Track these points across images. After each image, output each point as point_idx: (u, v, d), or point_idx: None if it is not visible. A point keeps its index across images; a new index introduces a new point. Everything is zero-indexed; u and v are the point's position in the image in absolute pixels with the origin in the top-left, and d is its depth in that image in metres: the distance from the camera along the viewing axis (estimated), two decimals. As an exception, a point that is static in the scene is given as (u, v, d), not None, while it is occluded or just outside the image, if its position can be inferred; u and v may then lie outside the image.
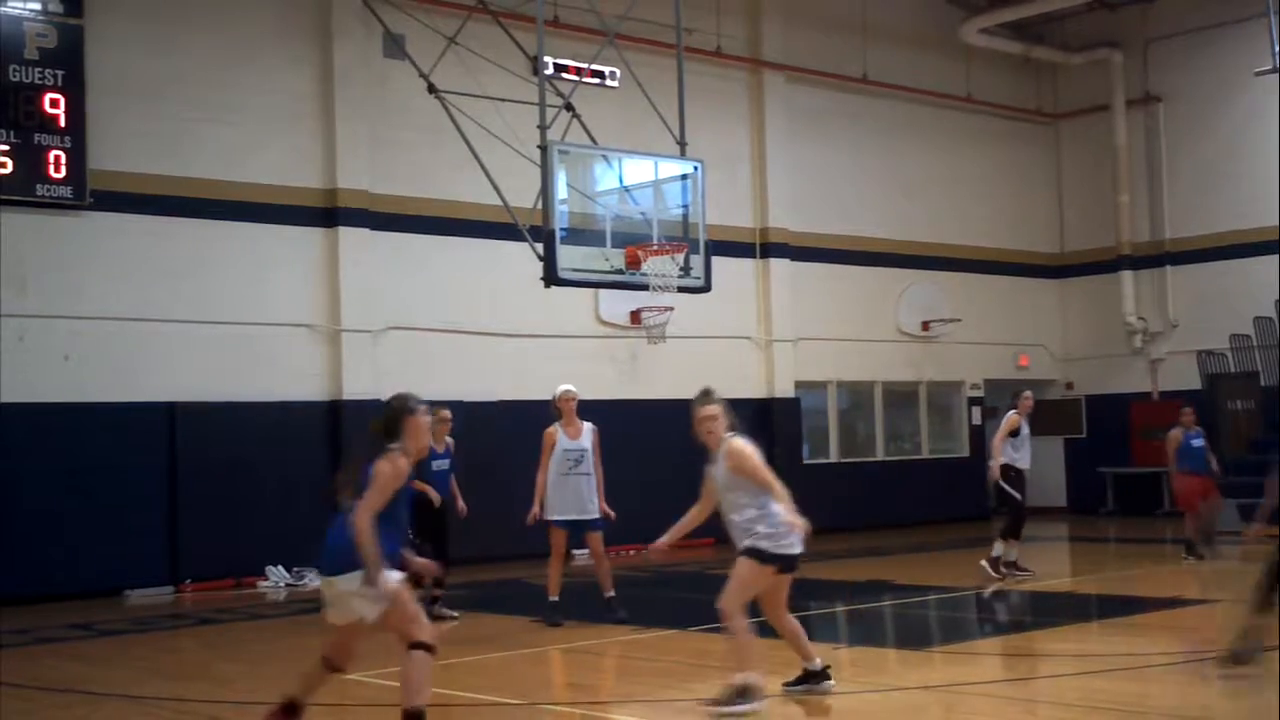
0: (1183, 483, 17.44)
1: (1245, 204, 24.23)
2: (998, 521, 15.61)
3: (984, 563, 15.30)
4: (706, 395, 9.23)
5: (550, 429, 13.29)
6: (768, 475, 8.94)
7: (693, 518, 9.38)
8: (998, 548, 15.33)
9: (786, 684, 9.09)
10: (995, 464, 15.37)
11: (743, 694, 8.39)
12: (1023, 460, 15.37)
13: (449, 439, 13.73)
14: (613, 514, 13.40)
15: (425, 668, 7.61)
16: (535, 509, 13.18)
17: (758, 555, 8.79)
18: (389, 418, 7.81)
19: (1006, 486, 15.34)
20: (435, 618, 12.79)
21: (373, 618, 7.59)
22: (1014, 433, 15.36)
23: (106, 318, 16.62)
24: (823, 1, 23.77)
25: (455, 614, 13.53)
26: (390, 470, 7.55)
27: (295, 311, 18.08)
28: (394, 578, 7.64)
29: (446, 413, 13.58)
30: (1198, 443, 17.51)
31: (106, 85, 16.69)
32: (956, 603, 14.24)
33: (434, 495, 13.36)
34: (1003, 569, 15.23)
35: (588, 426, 13.39)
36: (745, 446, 8.98)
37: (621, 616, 12.67)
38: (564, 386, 13.50)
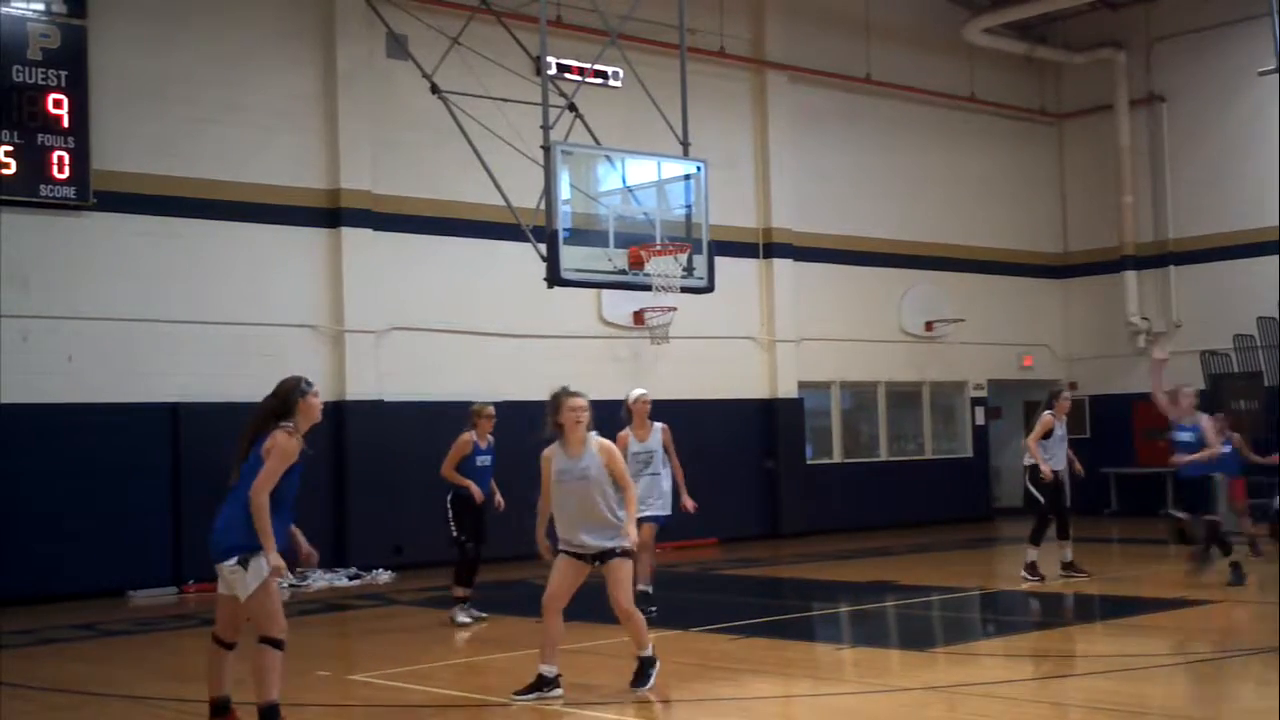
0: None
1: (1249, 204, 24.20)
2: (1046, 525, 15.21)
3: (1022, 572, 14.94)
4: (572, 390, 9.45)
5: (623, 433, 13.33)
6: (629, 477, 9.37)
7: (544, 511, 9.52)
8: (1030, 553, 14.95)
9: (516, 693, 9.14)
10: (1045, 466, 14.86)
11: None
12: (1055, 461, 15.02)
13: (491, 436, 13.59)
14: (691, 506, 13.74)
15: (275, 662, 7.75)
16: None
17: (630, 554, 9.32)
18: (282, 397, 8.09)
19: (1033, 489, 15.04)
20: (456, 621, 12.79)
21: (244, 597, 7.81)
22: (1048, 434, 15.04)
23: (109, 318, 16.63)
24: (826, 1, 23.76)
25: (484, 615, 13.40)
26: (288, 443, 7.80)
27: (298, 312, 18.09)
28: (270, 563, 7.89)
29: (491, 409, 13.48)
30: (1225, 448, 17.38)
31: (110, 86, 16.71)
32: (960, 603, 14.24)
33: (476, 491, 13.29)
34: (1041, 571, 14.81)
35: (657, 426, 13.62)
36: (614, 445, 9.37)
37: (651, 612, 12.59)
38: (639, 390, 13.70)
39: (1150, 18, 25.58)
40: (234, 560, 7.82)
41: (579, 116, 16.50)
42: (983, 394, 25.85)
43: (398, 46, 18.48)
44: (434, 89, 16.67)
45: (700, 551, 20.40)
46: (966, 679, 9.89)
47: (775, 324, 22.67)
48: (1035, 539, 15.07)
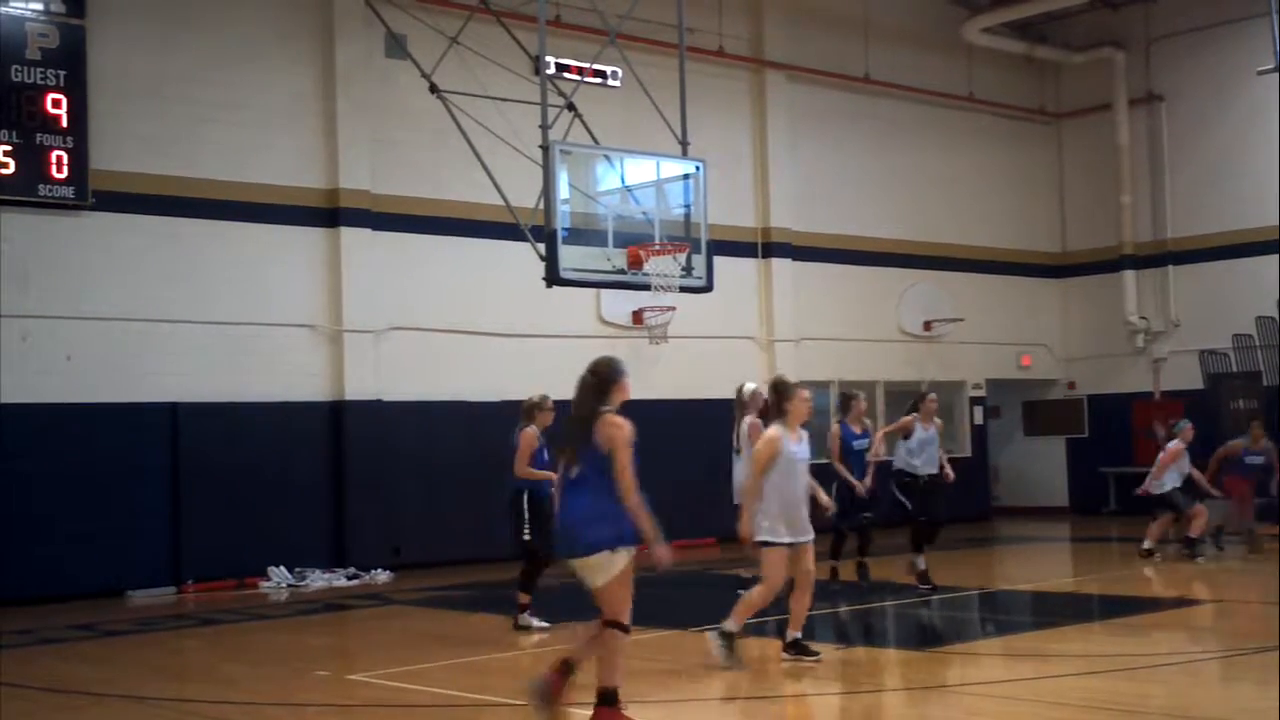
0: (1231, 482, 17.73)
1: (1247, 203, 24.20)
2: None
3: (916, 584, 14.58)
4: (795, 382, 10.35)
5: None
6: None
7: (754, 492, 10.28)
8: (919, 562, 14.60)
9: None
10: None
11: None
12: (926, 466, 14.71)
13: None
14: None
15: (621, 646, 7.75)
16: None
17: None
18: (602, 376, 7.91)
19: (899, 494, 14.86)
20: (521, 627, 12.38)
21: (598, 585, 7.70)
22: (907, 434, 14.84)
23: (108, 318, 16.63)
24: (825, 1, 23.76)
25: (545, 624, 12.52)
26: (625, 429, 7.69)
27: (297, 312, 18.09)
28: (661, 555, 7.88)
29: (551, 401, 13.23)
30: (1256, 460, 17.72)
31: (108, 85, 16.70)
32: (958, 603, 14.24)
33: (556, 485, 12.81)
34: (932, 580, 14.53)
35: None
36: None
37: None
38: (753, 385, 14.03)
39: (1149, 17, 25.58)
40: (603, 553, 7.63)
41: (578, 116, 16.49)
42: (981, 394, 25.85)
43: (397, 46, 18.47)
44: (433, 89, 16.66)
45: (700, 551, 20.39)
46: (965, 679, 9.90)
47: (774, 324, 22.67)
48: (918, 546, 14.73)
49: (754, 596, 10.14)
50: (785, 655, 10.24)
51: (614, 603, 7.69)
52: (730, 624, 10.09)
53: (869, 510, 15.09)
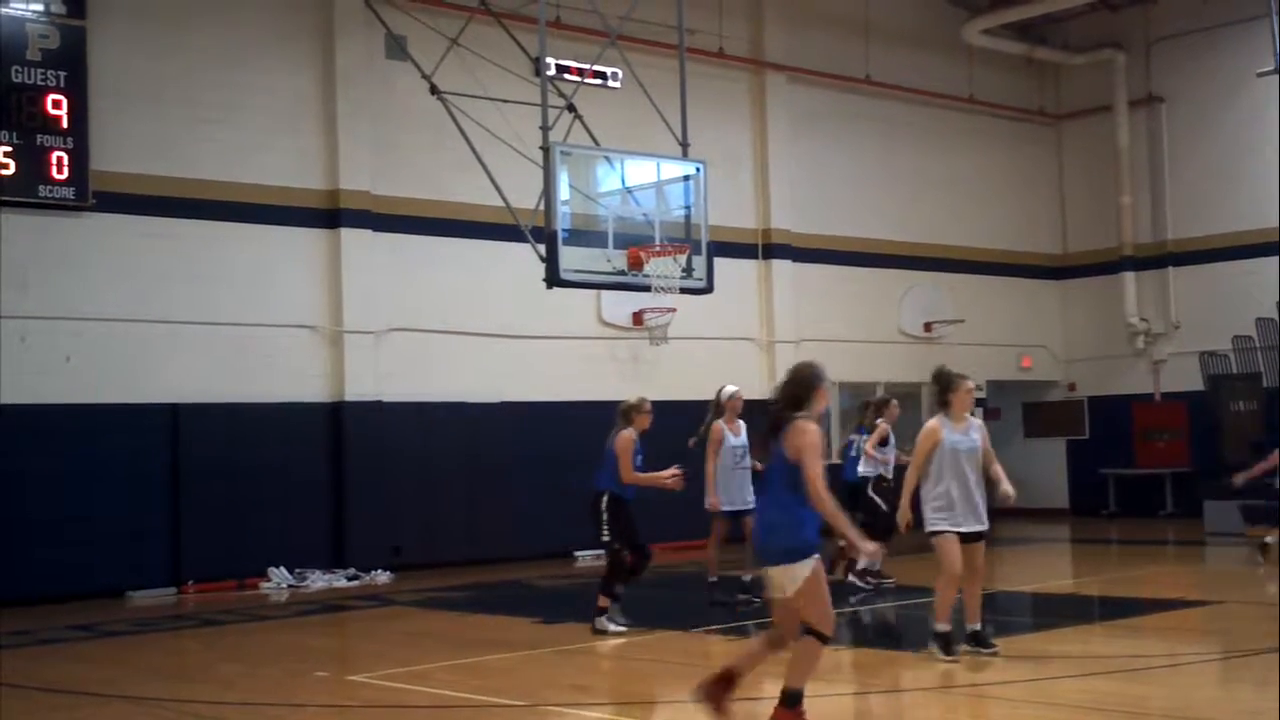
0: None
1: (1247, 205, 24.21)
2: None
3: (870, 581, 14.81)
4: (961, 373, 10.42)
5: (716, 425, 13.70)
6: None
7: (912, 483, 10.42)
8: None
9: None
10: (713, 498, 14.26)
11: None
12: (891, 468, 15.16)
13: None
14: None
15: (816, 652, 7.60)
16: (712, 498, 13.72)
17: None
18: (804, 384, 7.81)
19: (875, 497, 15.11)
20: (598, 631, 12.15)
21: (790, 593, 7.55)
22: (884, 442, 15.26)
23: (108, 319, 16.63)
24: (825, 2, 23.76)
25: (623, 627, 12.22)
26: (817, 436, 7.62)
27: (297, 313, 18.09)
28: (867, 550, 7.95)
29: (649, 403, 13.28)
30: None
31: (109, 86, 16.70)
32: (957, 604, 14.21)
33: (672, 481, 12.66)
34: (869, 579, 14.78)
35: (742, 424, 13.80)
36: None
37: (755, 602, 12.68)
38: (732, 388, 13.96)
39: (1149, 19, 25.59)
40: (782, 566, 7.53)
41: (578, 117, 16.48)
42: (982, 395, 25.80)
43: (397, 47, 18.47)
44: (433, 90, 16.66)
45: (698, 552, 20.38)
46: (965, 680, 9.89)
47: (774, 325, 22.67)
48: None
49: (941, 589, 10.24)
50: (965, 647, 10.23)
51: (808, 611, 7.53)
52: (940, 625, 10.18)
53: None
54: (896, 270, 24.45)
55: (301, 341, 18.09)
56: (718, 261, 15.88)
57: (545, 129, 14.63)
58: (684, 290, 15.35)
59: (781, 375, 7.97)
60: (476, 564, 18.44)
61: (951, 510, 10.10)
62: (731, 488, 13.70)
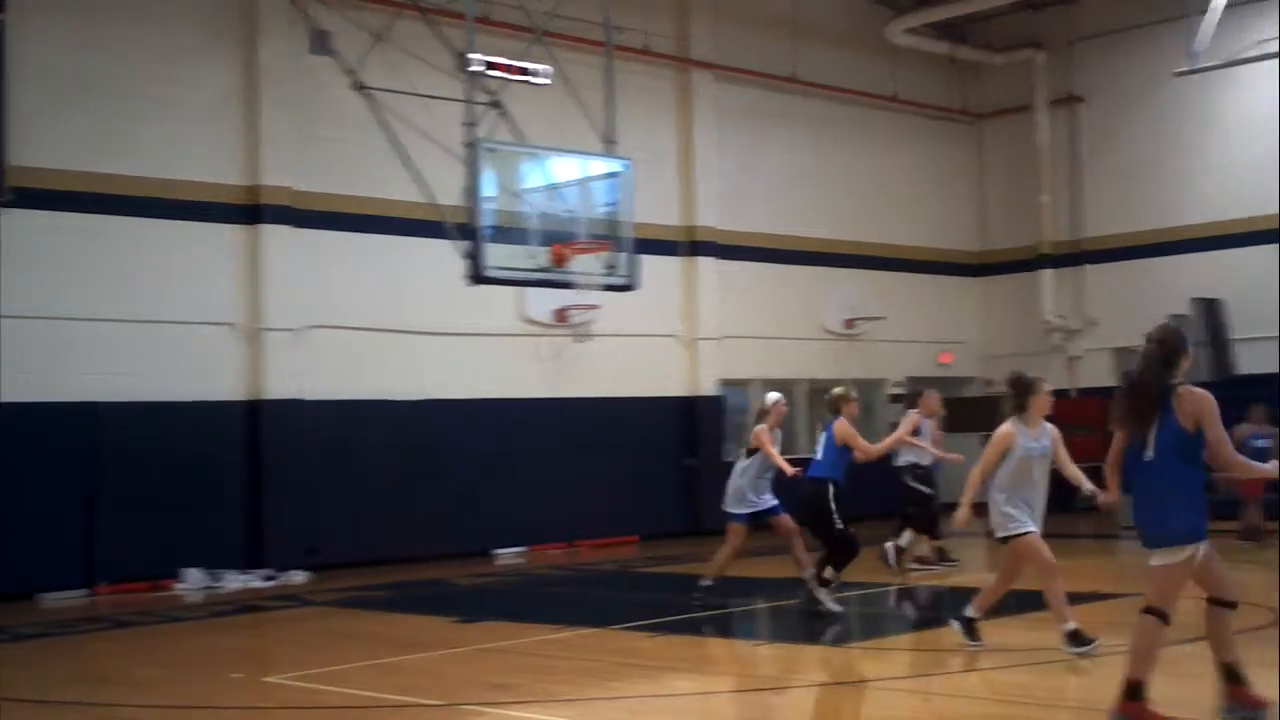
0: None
1: (1163, 203, 24.64)
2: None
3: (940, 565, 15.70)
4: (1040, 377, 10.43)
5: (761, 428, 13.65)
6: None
7: (976, 485, 10.58)
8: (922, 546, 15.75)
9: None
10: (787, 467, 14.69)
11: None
12: (926, 456, 15.80)
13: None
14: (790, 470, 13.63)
15: (1155, 635, 7.34)
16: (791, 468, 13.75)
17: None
18: (1170, 346, 7.39)
19: (916, 484, 15.80)
20: (815, 604, 12.60)
21: (1154, 564, 7.28)
22: (916, 431, 15.63)
23: (26, 316, 16.30)
24: (751, 1, 23.85)
25: (838, 608, 12.67)
26: (1213, 400, 7.27)
27: (216, 310, 17.88)
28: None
29: (854, 392, 13.61)
30: (1262, 443, 17.31)
31: (27, 80, 16.38)
32: (874, 599, 14.37)
33: (787, 468, 13.45)
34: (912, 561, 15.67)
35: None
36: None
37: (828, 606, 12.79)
38: (776, 395, 13.97)
39: (1069, 19, 25.92)
40: (1180, 545, 7.19)
41: (503, 114, 16.39)
42: (902, 391, 26.04)
43: (321, 42, 18.22)
44: (357, 85, 16.51)
45: (620, 549, 20.44)
46: (882, 674, 10.00)
47: (698, 322, 22.74)
48: (934, 533, 15.83)
49: (1050, 589, 10.06)
50: (1068, 649, 9.94)
51: (1160, 587, 7.25)
52: (1068, 625, 9.98)
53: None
54: (819, 267, 24.60)
55: (220, 339, 17.89)
56: (642, 259, 15.90)
57: (470, 125, 14.59)
58: (608, 287, 15.37)
59: (1144, 339, 7.44)
60: (396, 563, 18.34)
61: (1027, 513, 10.09)
62: (760, 490, 13.79)
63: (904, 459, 15.78)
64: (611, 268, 15.19)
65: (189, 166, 17.71)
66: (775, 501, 13.74)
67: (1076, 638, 9.90)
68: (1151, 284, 24.47)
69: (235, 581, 17.00)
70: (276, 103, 18.33)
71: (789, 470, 13.48)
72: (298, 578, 17.39)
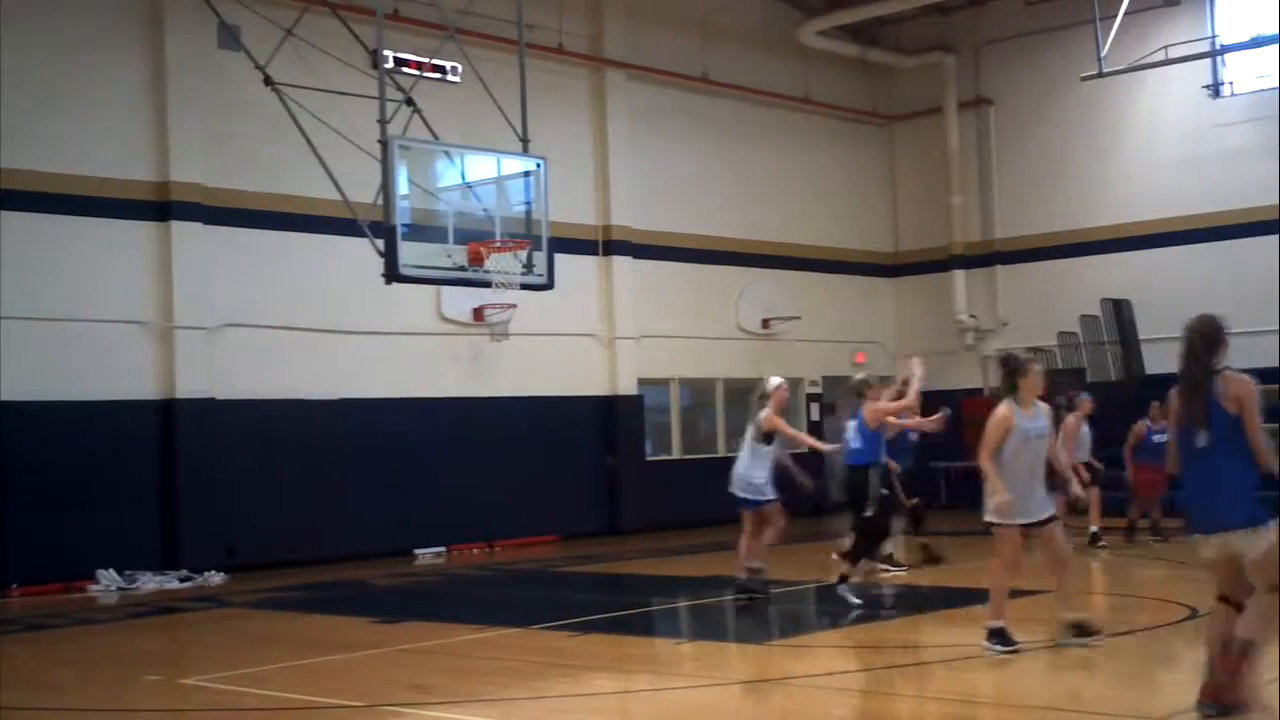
0: (1142, 474, 17.68)
1: (1073, 205, 25.07)
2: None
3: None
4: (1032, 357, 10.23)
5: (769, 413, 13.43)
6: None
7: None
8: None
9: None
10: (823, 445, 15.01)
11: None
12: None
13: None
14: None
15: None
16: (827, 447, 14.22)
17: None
18: (1211, 337, 7.40)
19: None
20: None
21: (1253, 557, 7.18)
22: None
23: (-73, 314, 16.00)
24: (663, 1, 23.91)
25: (859, 602, 12.75)
26: (1255, 387, 7.28)
27: (126, 308, 17.61)
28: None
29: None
30: (1161, 438, 17.16)
31: (-74, 73, 16.07)
32: (796, 596, 14.45)
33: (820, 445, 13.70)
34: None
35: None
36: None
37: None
38: (779, 379, 13.65)
39: (978, 23, 26.28)
40: (1251, 529, 7.15)
41: (417, 111, 16.30)
42: (818, 390, 26.26)
43: (229, 37, 18.05)
44: (267, 81, 16.32)
45: (540, 548, 20.40)
46: (802, 671, 10.05)
47: (615, 321, 22.76)
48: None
49: (995, 584, 9.88)
50: (1072, 639, 9.87)
51: (1272, 571, 7.14)
52: (1072, 614, 9.93)
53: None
54: (734, 267, 24.74)
55: (130, 337, 17.63)
56: (558, 258, 15.91)
57: (383, 123, 14.50)
58: (525, 286, 15.35)
59: (1184, 329, 7.47)
60: (314, 564, 18.18)
61: (1024, 501, 9.61)
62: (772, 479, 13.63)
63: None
64: (528, 267, 15.16)
65: (95, 162, 17.45)
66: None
67: (1081, 628, 9.92)
68: (1061, 284, 24.91)
69: (151, 583, 16.78)
70: (185, 98, 18.10)
71: (824, 447, 13.98)
72: (215, 579, 17.19)
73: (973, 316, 26.40)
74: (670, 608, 14.32)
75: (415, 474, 19.68)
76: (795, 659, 10.75)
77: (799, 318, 25.39)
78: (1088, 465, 17.05)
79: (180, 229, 17.97)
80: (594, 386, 22.50)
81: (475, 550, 20.09)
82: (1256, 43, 21.62)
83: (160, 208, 17.91)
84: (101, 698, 9.79)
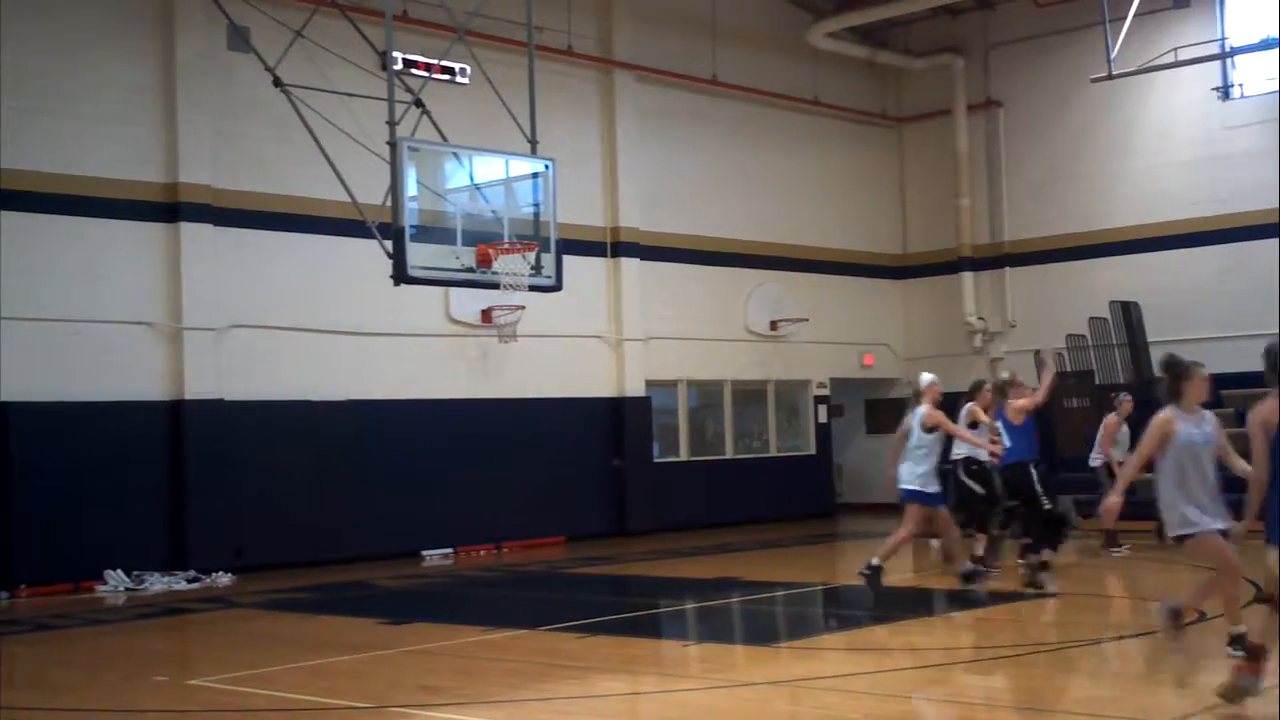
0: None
1: (1082, 207, 25.01)
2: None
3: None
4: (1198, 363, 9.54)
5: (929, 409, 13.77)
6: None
7: (1131, 476, 9.45)
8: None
9: None
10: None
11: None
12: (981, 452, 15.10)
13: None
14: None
15: None
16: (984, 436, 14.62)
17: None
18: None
19: (970, 481, 15.19)
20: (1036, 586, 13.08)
21: None
22: (973, 424, 15.08)
23: (-64, 315, 16.03)
24: (673, 2, 23.91)
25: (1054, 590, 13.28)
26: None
27: (134, 309, 17.63)
28: None
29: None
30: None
31: (-66, 73, 16.10)
32: (804, 598, 14.45)
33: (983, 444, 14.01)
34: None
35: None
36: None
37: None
38: (931, 376, 14.20)
39: (988, 25, 26.24)
40: None
41: (426, 113, 16.33)
42: (825, 392, 26.25)
43: (239, 38, 18.08)
44: (277, 82, 16.34)
45: (547, 550, 20.40)
46: (810, 673, 10.04)
47: (623, 323, 22.75)
48: (986, 529, 15.28)
49: (1222, 589, 9.29)
50: (1229, 651, 9.17)
51: None
52: (1238, 628, 9.21)
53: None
54: (743, 269, 24.72)
55: (139, 338, 17.64)
56: (566, 259, 15.89)
57: (392, 124, 14.49)
58: (533, 288, 15.32)
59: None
60: (321, 565, 18.19)
61: (1203, 509, 8.95)
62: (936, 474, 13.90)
63: (959, 450, 15.32)
64: (536, 268, 15.15)
65: (104, 163, 17.45)
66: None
67: (1242, 641, 8.97)
68: (1070, 287, 24.86)
69: (159, 583, 16.80)
70: (195, 99, 18.10)
71: (989, 447, 14.15)
72: (223, 579, 17.20)
73: (981, 319, 26.35)
74: (678, 609, 14.31)
75: (423, 475, 19.68)
76: (803, 661, 10.74)
77: (807, 319, 25.37)
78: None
79: (189, 230, 17.98)
80: (602, 388, 22.49)
81: (483, 551, 20.10)
82: (1266, 45, 21.57)
83: (169, 209, 17.93)
84: (108, 698, 9.80)
